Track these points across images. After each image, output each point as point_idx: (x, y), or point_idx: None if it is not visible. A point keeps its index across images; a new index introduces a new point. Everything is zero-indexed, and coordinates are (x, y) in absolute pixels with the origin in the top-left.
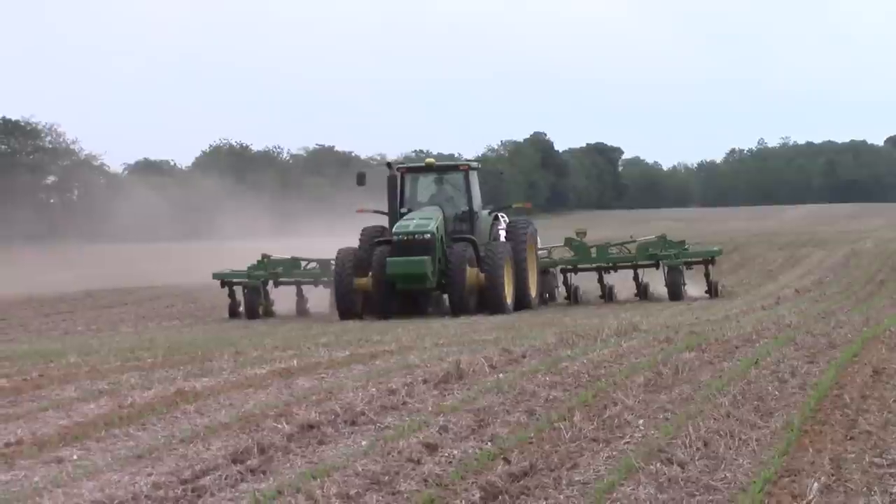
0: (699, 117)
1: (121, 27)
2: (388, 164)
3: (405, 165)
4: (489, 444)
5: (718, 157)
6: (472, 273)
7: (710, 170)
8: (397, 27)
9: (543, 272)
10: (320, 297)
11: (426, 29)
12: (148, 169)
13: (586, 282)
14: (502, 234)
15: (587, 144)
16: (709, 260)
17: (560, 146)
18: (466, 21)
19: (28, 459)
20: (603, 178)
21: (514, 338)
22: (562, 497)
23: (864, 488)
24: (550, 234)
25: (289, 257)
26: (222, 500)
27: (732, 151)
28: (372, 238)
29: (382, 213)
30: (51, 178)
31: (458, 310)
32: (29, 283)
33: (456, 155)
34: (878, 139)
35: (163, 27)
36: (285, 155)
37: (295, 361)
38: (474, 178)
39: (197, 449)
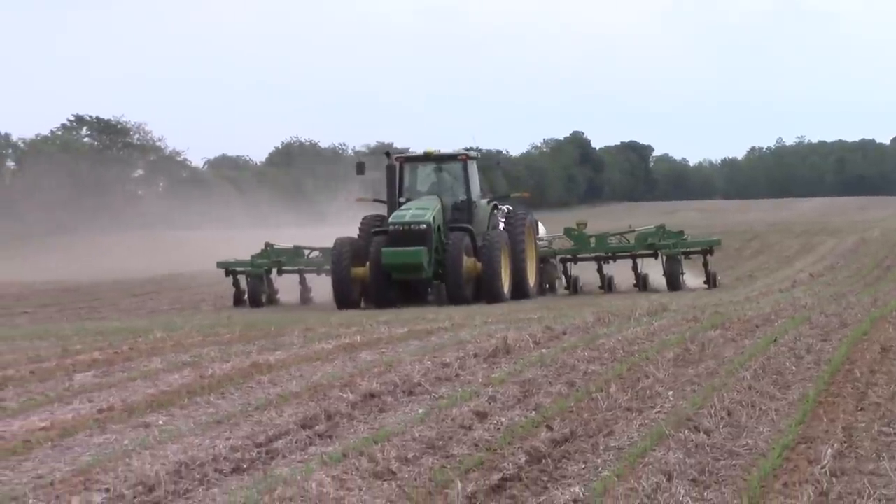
0: (723, 118)
1: (203, 37)
2: (387, 154)
3: (404, 155)
4: (533, 412)
5: (740, 154)
6: (468, 262)
7: (732, 165)
8: (452, 38)
9: (543, 262)
10: (323, 286)
11: (476, 37)
12: (225, 163)
13: (586, 272)
14: (501, 224)
15: (621, 142)
16: (707, 250)
17: (597, 144)
18: (511, 30)
19: (119, 424)
20: (635, 172)
21: (556, 317)
22: (599, 461)
23: (874, 454)
24: (590, 224)
25: (291, 246)
26: (293, 461)
27: (752, 149)
28: (370, 227)
29: (382, 202)
30: (139, 172)
31: (454, 299)
32: (119, 266)
33: (503, 152)
34: (885, 138)
35: (239, 37)
36: (350, 152)
37: (358, 337)
38: (473, 168)
39: (270, 415)
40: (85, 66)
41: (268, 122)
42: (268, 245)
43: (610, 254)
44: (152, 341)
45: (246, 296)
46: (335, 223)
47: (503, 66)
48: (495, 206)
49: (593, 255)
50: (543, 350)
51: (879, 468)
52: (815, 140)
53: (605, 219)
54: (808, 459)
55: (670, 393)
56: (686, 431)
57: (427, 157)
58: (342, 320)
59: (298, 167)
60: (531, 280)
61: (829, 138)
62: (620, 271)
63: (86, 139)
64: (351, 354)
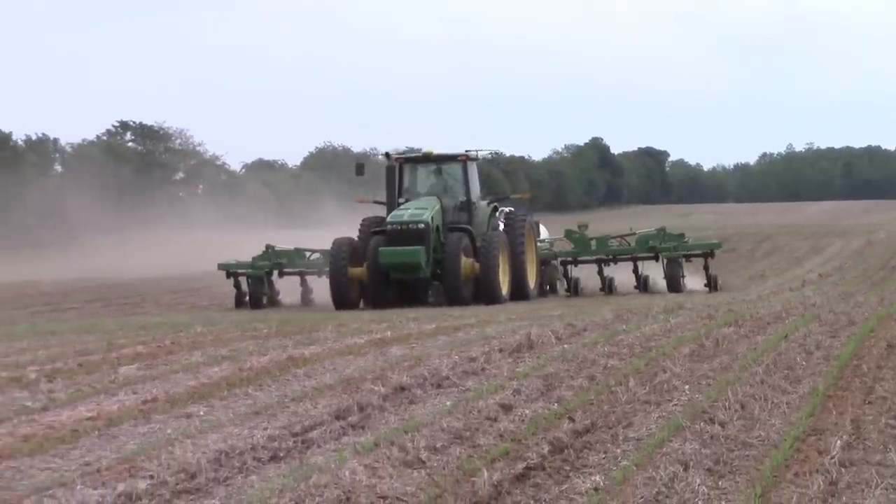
0: (735, 125)
1: (241, 47)
2: (387, 155)
3: (403, 156)
4: (556, 405)
5: (752, 160)
6: (467, 263)
7: (744, 170)
8: (478, 48)
9: (544, 264)
10: (325, 288)
11: (500, 47)
12: (262, 167)
13: (587, 275)
14: (502, 225)
15: (639, 148)
16: (708, 253)
17: (615, 149)
18: (534, 40)
19: (162, 414)
20: (652, 177)
21: (577, 314)
22: (619, 451)
23: (881, 446)
24: (605, 226)
25: (292, 248)
26: (327, 450)
27: (764, 154)
28: (370, 228)
29: (382, 203)
30: (179, 175)
31: (452, 299)
32: (160, 264)
33: (526, 157)
34: (890, 145)
35: (275, 47)
36: (380, 156)
37: (389, 333)
38: (473, 169)
39: (306, 407)
40: (129, 74)
41: (302, 128)
42: (269, 247)
43: (610, 256)
44: (193, 336)
45: (247, 297)
46: (341, 224)
47: (527, 74)
48: (495, 208)
49: (594, 257)
50: (565, 345)
51: (886, 459)
52: (823, 146)
53: (622, 221)
54: (818, 450)
55: (686, 387)
56: (701, 423)
57: (426, 158)
58: (373, 317)
59: (333, 171)
60: (531, 282)
61: (837, 144)
62: (621, 274)
63: (129, 144)
64: (382, 349)
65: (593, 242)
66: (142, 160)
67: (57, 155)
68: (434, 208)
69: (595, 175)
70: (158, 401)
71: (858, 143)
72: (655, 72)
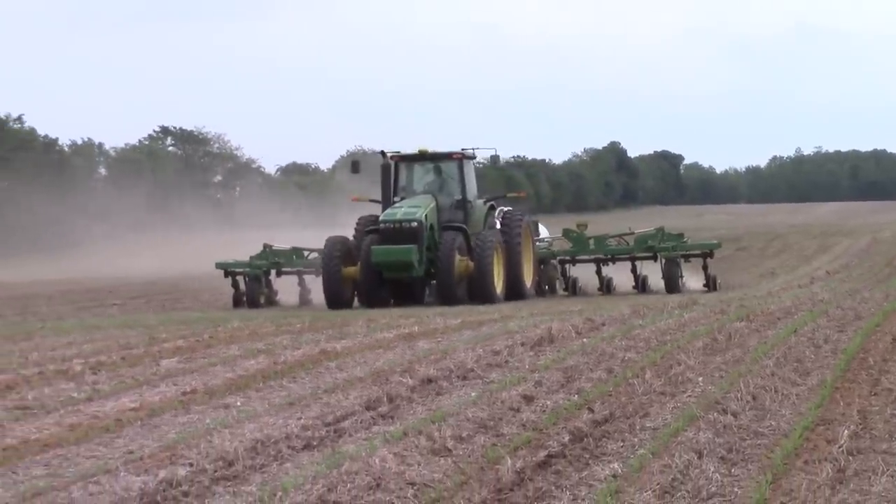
0: (747, 129)
1: (275, 55)
2: (382, 153)
3: (399, 154)
4: (576, 396)
5: (762, 163)
6: (461, 262)
7: (755, 173)
8: (501, 55)
9: (542, 263)
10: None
11: (523, 53)
12: (295, 170)
13: (586, 274)
14: (498, 224)
15: (654, 151)
16: (707, 253)
17: (632, 153)
18: (554, 47)
19: (201, 405)
20: (667, 179)
21: (595, 309)
22: (636, 440)
23: (887, 435)
24: (619, 226)
25: (290, 247)
26: (358, 439)
27: (774, 158)
28: (365, 227)
29: (377, 201)
30: (217, 178)
31: (445, 298)
32: (199, 262)
33: (547, 161)
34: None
35: (307, 56)
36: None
37: (416, 327)
38: (469, 168)
39: (337, 398)
40: (171, 82)
41: (333, 133)
42: (266, 246)
43: (609, 256)
44: (230, 330)
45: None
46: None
47: (548, 81)
48: (492, 206)
49: (592, 256)
50: (584, 339)
51: (892, 447)
52: (831, 149)
53: (638, 221)
54: (827, 439)
55: (700, 379)
56: (715, 414)
57: (422, 156)
58: (402, 313)
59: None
60: (527, 281)
61: (844, 148)
62: (620, 273)
63: (170, 148)
64: (410, 343)
65: (591, 242)
66: (181, 163)
67: (101, 159)
68: (428, 207)
69: (612, 177)
70: (197, 392)
71: (865, 146)
72: (670, 79)
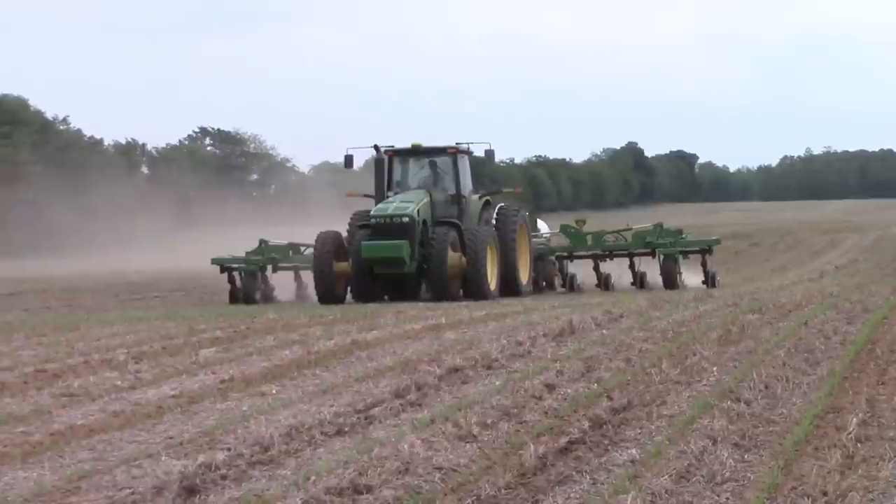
0: (759, 130)
1: (308, 58)
2: (376, 147)
3: (392, 148)
4: (595, 384)
5: (774, 162)
6: (454, 257)
7: (767, 172)
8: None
9: (539, 259)
10: None
11: (547, 57)
12: (328, 169)
13: (585, 271)
14: (494, 220)
15: (670, 151)
16: (706, 249)
17: (649, 152)
18: (576, 50)
19: (238, 393)
20: (682, 177)
21: (614, 302)
22: (653, 427)
23: (894, 423)
24: (636, 223)
25: (286, 242)
26: (388, 426)
27: (785, 157)
28: (358, 222)
29: (372, 196)
30: (253, 176)
31: (438, 294)
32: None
33: (568, 160)
34: None
35: (340, 60)
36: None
37: (443, 319)
38: (464, 162)
39: (368, 386)
40: (209, 85)
41: (364, 133)
42: (262, 242)
43: (606, 252)
44: (266, 322)
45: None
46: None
47: (569, 85)
48: (487, 202)
49: (589, 253)
50: (604, 331)
51: None
52: (840, 149)
53: (654, 218)
54: (836, 427)
55: (714, 368)
56: (729, 402)
57: (416, 151)
58: (429, 306)
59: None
60: (523, 277)
61: (853, 147)
62: (619, 270)
63: (209, 148)
64: (437, 334)
65: (589, 238)
66: (219, 163)
67: (144, 158)
68: (421, 201)
69: (630, 176)
70: (235, 380)
71: (872, 146)
72: (686, 83)
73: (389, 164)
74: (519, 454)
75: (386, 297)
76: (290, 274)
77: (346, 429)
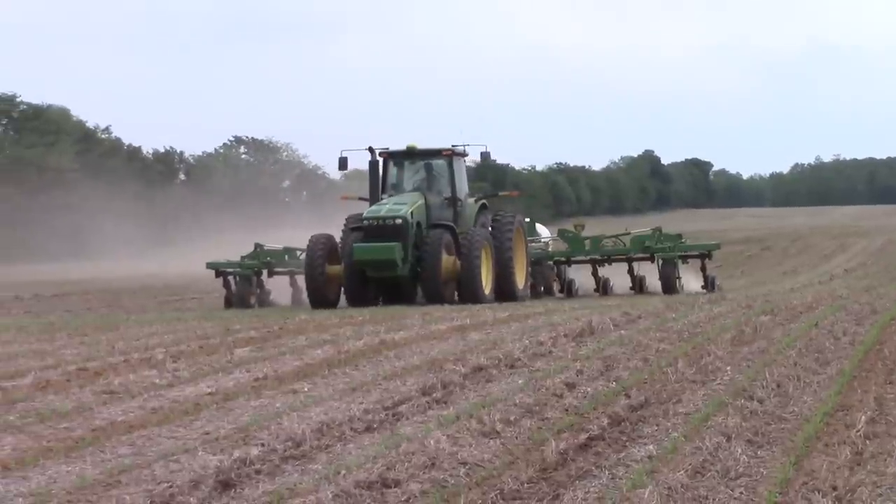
0: (771, 138)
1: (339, 69)
2: (370, 149)
3: (387, 151)
4: (614, 383)
5: (785, 169)
6: (448, 260)
7: (778, 179)
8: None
9: (537, 264)
10: None
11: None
12: (357, 176)
13: (584, 275)
14: (490, 224)
15: (686, 159)
16: (705, 254)
17: (665, 160)
18: (595, 64)
19: (271, 391)
20: (697, 184)
21: (632, 303)
22: (669, 424)
23: None
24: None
25: (281, 247)
26: (415, 422)
27: (796, 164)
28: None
29: (367, 199)
30: (286, 183)
31: (431, 297)
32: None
33: (587, 167)
34: None
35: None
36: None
37: (468, 320)
38: (460, 165)
39: (396, 384)
40: (244, 95)
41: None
42: (258, 246)
43: (605, 257)
44: (298, 322)
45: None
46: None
47: (588, 95)
48: (483, 205)
49: (588, 257)
50: (622, 331)
51: None
52: (849, 157)
53: (670, 224)
54: (846, 424)
55: (728, 368)
56: (742, 400)
57: (411, 153)
58: (454, 307)
59: None
60: (519, 282)
61: (861, 155)
62: (617, 275)
63: (243, 156)
64: (462, 334)
65: (587, 242)
66: (253, 170)
67: (181, 165)
68: (415, 204)
69: (647, 183)
70: (268, 378)
71: (880, 153)
72: (700, 92)
73: (384, 167)
74: (540, 450)
75: (379, 301)
76: (286, 278)
77: (375, 425)
